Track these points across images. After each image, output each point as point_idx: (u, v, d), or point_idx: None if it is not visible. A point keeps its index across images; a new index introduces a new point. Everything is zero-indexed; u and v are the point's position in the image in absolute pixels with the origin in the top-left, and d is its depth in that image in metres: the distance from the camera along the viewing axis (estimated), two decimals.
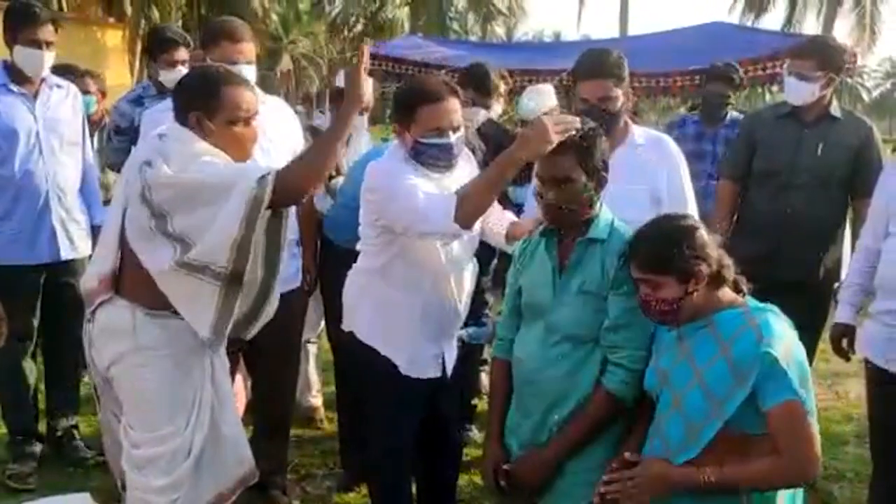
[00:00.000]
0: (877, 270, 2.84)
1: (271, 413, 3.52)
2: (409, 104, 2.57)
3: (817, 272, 3.51)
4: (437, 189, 2.53)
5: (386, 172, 2.58)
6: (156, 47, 4.16)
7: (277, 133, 3.24)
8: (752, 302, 2.07)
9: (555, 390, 2.28)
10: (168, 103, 3.35)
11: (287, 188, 2.24)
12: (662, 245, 2.00)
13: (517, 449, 2.38)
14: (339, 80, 4.35)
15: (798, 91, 3.47)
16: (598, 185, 2.26)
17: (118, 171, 3.60)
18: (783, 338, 1.95)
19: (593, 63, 2.76)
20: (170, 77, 3.95)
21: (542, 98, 4.32)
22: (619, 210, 2.61)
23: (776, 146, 3.53)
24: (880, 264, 2.82)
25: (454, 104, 2.55)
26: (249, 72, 3.11)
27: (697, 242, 2.00)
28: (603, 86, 2.71)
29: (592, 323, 2.24)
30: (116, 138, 4.14)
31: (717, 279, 2.03)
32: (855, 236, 3.44)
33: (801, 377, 1.93)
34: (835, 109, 3.50)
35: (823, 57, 3.45)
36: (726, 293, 2.05)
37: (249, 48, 3.13)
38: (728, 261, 2.06)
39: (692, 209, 2.76)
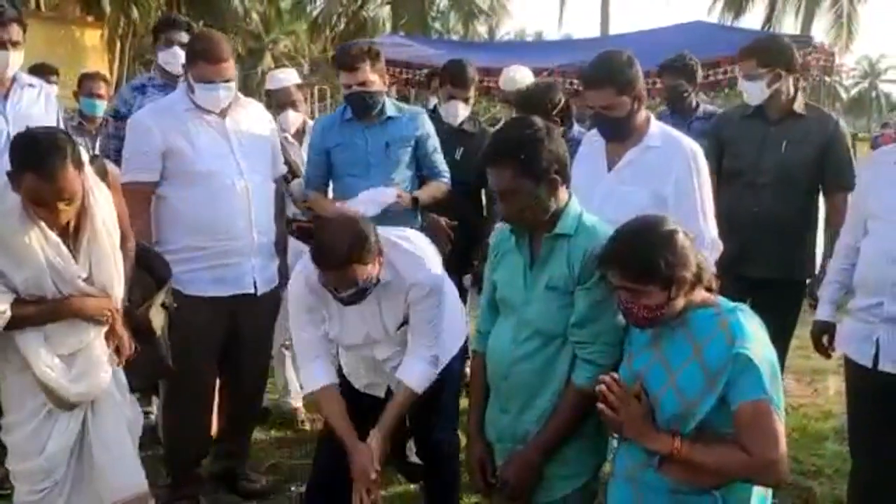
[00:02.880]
0: (856, 268, 2.86)
1: (241, 409, 3.59)
2: None
3: (787, 270, 3.52)
4: None
5: None
6: (157, 29, 4.23)
7: (253, 137, 3.33)
8: (723, 301, 2.07)
9: (528, 385, 2.28)
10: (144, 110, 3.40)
11: (12, 328, 2.47)
12: (645, 255, 1.97)
13: (495, 441, 2.39)
14: (269, 83, 4.41)
15: (749, 91, 3.51)
16: (550, 187, 2.22)
17: (111, 157, 3.58)
18: (755, 337, 1.95)
19: (593, 71, 2.77)
20: (166, 56, 4.01)
21: (522, 74, 4.68)
22: (617, 211, 2.62)
23: (742, 145, 3.55)
24: (859, 262, 2.84)
25: None
26: (227, 89, 3.19)
27: (678, 249, 1.98)
28: (602, 95, 2.73)
29: (560, 319, 2.24)
30: (113, 123, 4.11)
31: (696, 282, 2.02)
32: (829, 232, 3.47)
33: (771, 377, 1.94)
34: (799, 107, 3.52)
35: (764, 55, 3.48)
36: (699, 293, 2.05)
37: (228, 67, 3.18)
38: (704, 262, 2.06)
39: (705, 213, 2.75)
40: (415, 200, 3.56)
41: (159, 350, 2.87)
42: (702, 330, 1.99)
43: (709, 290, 2.08)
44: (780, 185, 3.45)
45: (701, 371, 1.95)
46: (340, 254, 2.43)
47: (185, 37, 3.99)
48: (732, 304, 2.06)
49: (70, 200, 2.44)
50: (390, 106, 3.63)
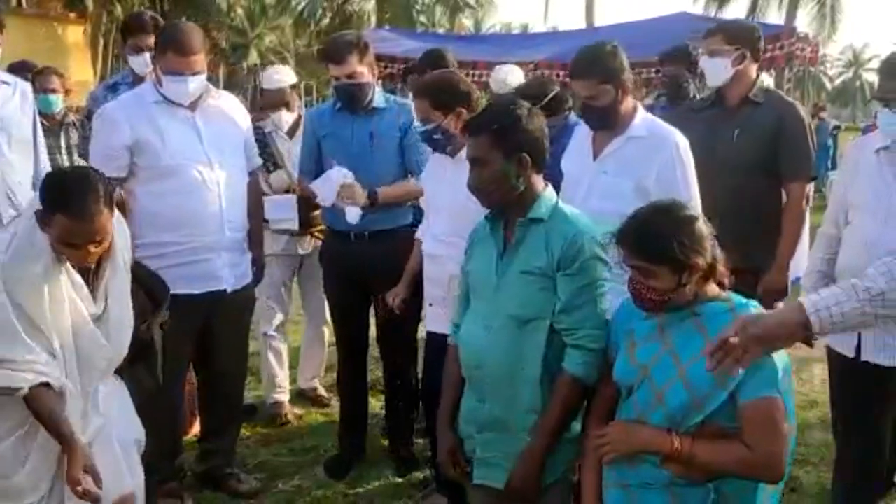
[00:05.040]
0: (838, 258, 2.87)
1: (223, 410, 3.57)
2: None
3: (745, 261, 3.42)
4: None
5: None
6: (126, 31, 4.16)
7: (224, 129, 3.30)
8: (736, 297, 2.05)
9: (503, 372, 2.26)
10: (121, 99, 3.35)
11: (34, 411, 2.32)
12: (661, 235, 1.96)
13: (475, 432, 2.35)
14: (265, 82, 4.42)
15: (712, 69, 3.45)
16: (520, 166, 2.24)
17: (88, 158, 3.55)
18: None
19: (578, 62, 2.83)
20: (136, 62, 3.93)
21: (514, 76, 4.70)
22: (601, 200, 2.68)
23: (697, 134, 3.51)
24: (840, 251, 2.84)
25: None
26: (197, 82, 3.14)
27: (695, 235, 1.97)
28: (586, 85, 2.79)
29: (535, 302, 2.24)
30: (88, 124, 4.05)
31: (708, 273, 2.00)
32: (793, 222, 3.39)
33: (784, 375, 1.92)
34: (757, 94, 3.45)
35: (730, 32, 3.46)
36: (712, 287, 2.03)
37: (198, 60, 3.13)
38: (720, 255, 2.04)
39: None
40: (373, 198, 3.47)
41: (155, 369, 2.82)
42: (715, 324, 1.96)
43: (721, 286, 2.06)
44: (735, 175, 3.33)
45: None
46: (425, 82, 3.16)
47: (153, 41, 3.87)
48: (745, 300, 2.04)
49: (101, 241, 2.33)
50: (379, 97, 3.63)
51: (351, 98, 3.54)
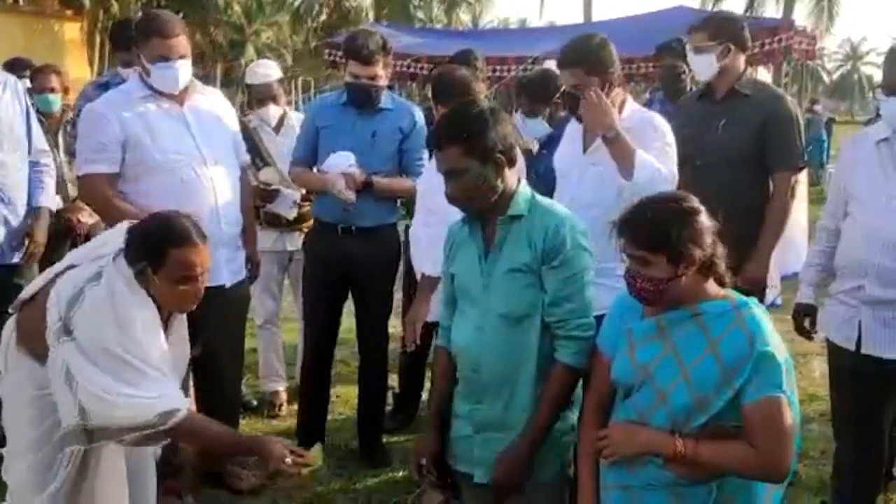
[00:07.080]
0: (837, 250, 2.87)
1: (221, 403, 3.52)
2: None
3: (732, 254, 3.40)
4: None
5: None
6: (118, 41, 4.13)
7: (214, 124, 3.29)
8: (736, 295, 2.03)
9: (501, 373, 2.25)
10: (107, 97, 3.32)
11: (181, 435, 2.31)
12: (660, 223, 1.95)
13: (472, 433, 2.33)
14: (249, 77, 4.47)
15: (699, 65, 3.46)
16: (497, 167, 2.22)
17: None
18: (772, 333, 1.93)
19: (566, 52, 2.84)
20: (127, 73, 3.90)
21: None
22: (592, 190, 2.69)
23: (688, 127, 3.49)
24: (840, 244, 2.84)
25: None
26: (184, 67, 3.12)
27: (696, 227, 1.95)
28: (573, 74, 2.79)
29: (525, 299, 2.23)
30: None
31: (707, 268, 1.98)
32: (776, 213, 3.34)
33: (787, 373, 1.91)
34: (743, 86, 3.43)
35: (714, 27, 3.44)
36: (712, 285, 2.02)
37: (181, 42, 3.11)
38: (721, 252, 2.01)
39: (664, 161, 2.75)
40: (368, 184, 3.49)
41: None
42: (717, 324, 1.95)
43: (721, 284, 2.04)
44: (722, 168, 3.32)
45: (716, 365, 1.91)
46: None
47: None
48: (745, 298, 2.02)
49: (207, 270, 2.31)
50: (385, 97, 3.64)
51: (366, 97, 3.54)
